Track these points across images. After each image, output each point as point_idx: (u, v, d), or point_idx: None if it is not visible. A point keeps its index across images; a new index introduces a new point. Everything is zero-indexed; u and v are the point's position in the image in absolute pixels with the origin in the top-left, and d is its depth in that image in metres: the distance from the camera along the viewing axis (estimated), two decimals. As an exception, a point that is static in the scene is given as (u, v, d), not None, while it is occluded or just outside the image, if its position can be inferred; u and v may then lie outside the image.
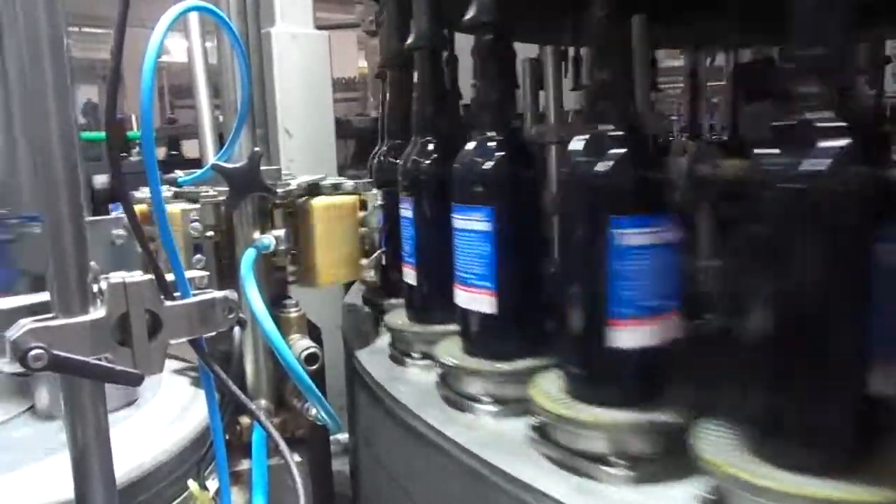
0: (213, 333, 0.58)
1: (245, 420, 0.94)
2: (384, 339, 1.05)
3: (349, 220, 1.01)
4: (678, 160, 0.71)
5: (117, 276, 0.51)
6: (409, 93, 1.04)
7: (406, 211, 0.98)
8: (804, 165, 0.48)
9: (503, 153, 0.77)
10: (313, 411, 0.89)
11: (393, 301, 1.11)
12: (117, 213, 1.14)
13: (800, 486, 0.48)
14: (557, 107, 1.04)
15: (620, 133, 0.63)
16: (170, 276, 0.56)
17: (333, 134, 1.93)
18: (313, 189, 0.99)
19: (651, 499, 0.57)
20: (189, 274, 0.58)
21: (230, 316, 0.58)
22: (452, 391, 0.80)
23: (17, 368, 0.46)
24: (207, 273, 0.62)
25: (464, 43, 0.92)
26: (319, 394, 0.78)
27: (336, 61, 1.99)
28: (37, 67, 0.47)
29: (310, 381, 0.77)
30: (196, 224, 0.90)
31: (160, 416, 0.87)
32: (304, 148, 1.82)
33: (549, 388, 0.68)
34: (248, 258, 0.84)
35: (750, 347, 0.53)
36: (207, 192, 0.91)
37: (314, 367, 0.90)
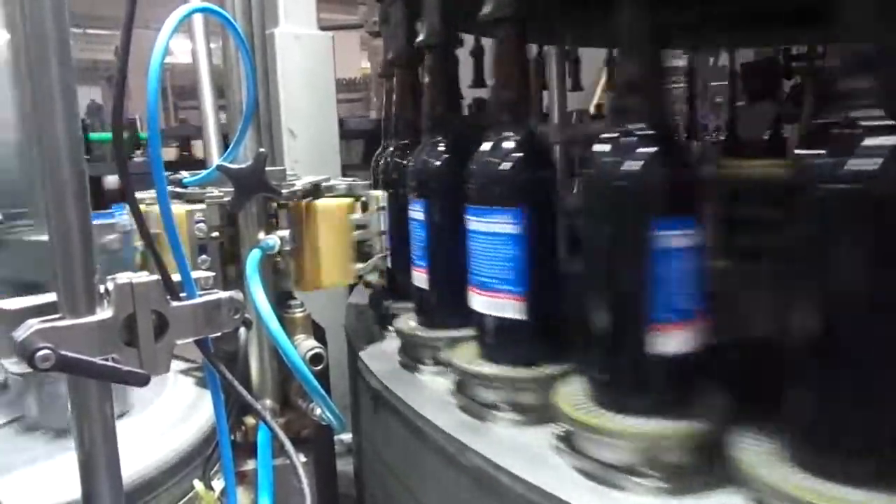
0: (219, 334, 0.58)
1: (250, 420, 0.94)
2: (390, 341, 1.05)
3: (340, 224, 0.99)
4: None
5: (124, 277, 0.52)
6: (416, 92, 1.03)
7: (416, 213, 0.95)
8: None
9: (525, 153, 0.74)
10: (318, 411, 0.89)
11: (400, 305, 1.07)
12: (121, 213, 1.14)
13: (845, 497, 0.47)
14: (561, 107, 1.04)
15: (654, 133, 0.59)
16: (176, 277, 0.56)
17: (337, 134, 1.93)
18: (315, 191, 0.99)
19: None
20: (195, 274, 0.58)
21: (236, 316, 0.58)
22: (470, 398, 0.77)
23: (25, 369, 0.47)
24: (213, 273, 0.62)
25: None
26: (325, 394, 0.78)
27: (339, 62, 1.99)
28: (43, 69, 0.47)
29: (315, 382, 0.77)
30: (201, 225, 0.90)
31: (166, 417, 0.87)
32: (308, 148, 1.83)
33: (574, 396, 0.65)
34: (253, 259, 0.84)
35: (796, 354, 0.51)
36: (213, 192, 0.91)
37: (319, 367, 0.90)
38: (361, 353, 1.02)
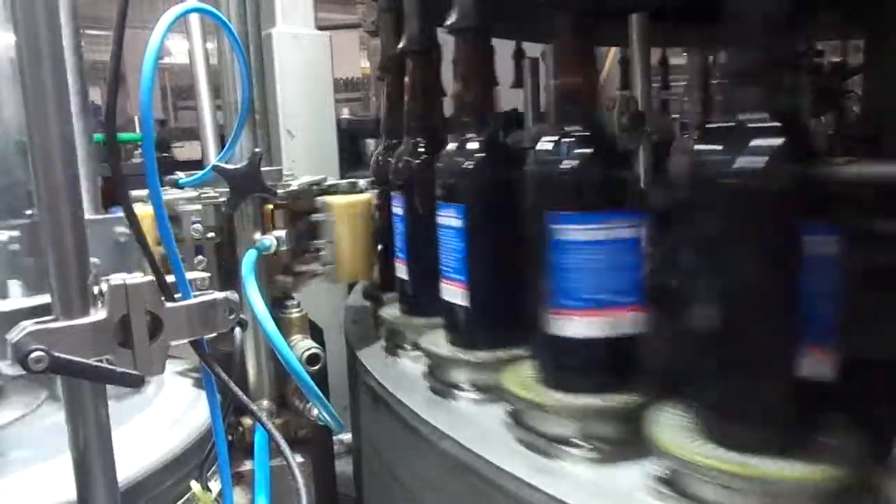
0: (215, 334, 0.58)
1: (247, 421, 0.94)
2: (400, 357, 1.02)
3: (367, 218, 1.05)
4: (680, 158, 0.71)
5: (118, 278, 0.51)
6: (433, 84, 1.05)
7: (397, 208, 1.01)
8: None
9: (478, 154, 0.80)
10: (315, 412, 0.89)
11: (390, 295, 1.12)
12: (117, 213, 1.14)
13: (742, 465, 0.51)
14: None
15: (583, 134, 0.66)
16: (170, 278, 0.56)
17: (335, 134, 1.93)
18: (331, 188, 1.04)
19: (609, 478, 0.60)
20: (190, 275, 0.58)
21: (231, 317, 0.58)
22: (438, 380, 0.84)
23: (19, 371, 0.46)
24: (209, 274, 0.62)
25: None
26: (321, 394, 0.78)
27: (338, 61, 1.99)
28: (35, 68, 0.47)
29: (311, 382, 0.77)
30: (197, 226, 0.90)
31: (162, 418, 0.87)
32: (306, 148, 1.83)
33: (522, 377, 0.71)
34: (248, 259, 0.84)
35: (697, 337, 0.56)
36: (208, 193, 0.91)
37: (316, 367, 0.90)
38: (359, 353, 1.02)
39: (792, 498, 0.50)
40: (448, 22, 0.82)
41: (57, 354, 0.46)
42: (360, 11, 2.28)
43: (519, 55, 1.79)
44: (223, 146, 0.89)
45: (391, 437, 0.86)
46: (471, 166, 0.81)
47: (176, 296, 0.55)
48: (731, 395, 0.55)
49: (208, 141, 1.08)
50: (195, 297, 0.56)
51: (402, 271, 1.01)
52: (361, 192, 1.07)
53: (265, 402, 0.97)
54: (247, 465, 0.90)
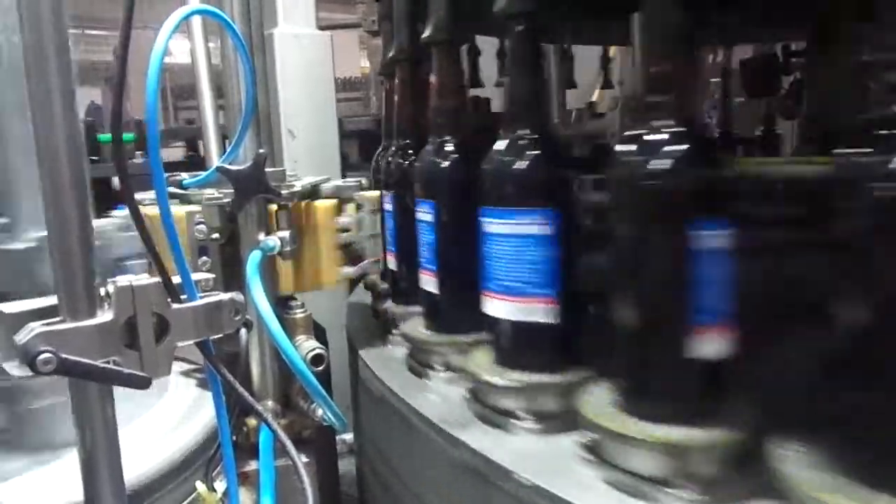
0: (220, 335, 0.58)
1: (251, 421, 0.94)
2: (394, 345, 1.03)
3: (325, 226, 0.99)
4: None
5: (124, 280, 0.51)
6: (420, 90, 1.02)
7: (424, 214, 0.91)
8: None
9: (546, 154, 0.72)
10: (320, 412, 0.89)
11: (408, 309, 1.02)
12: (121, 213, 1.14)
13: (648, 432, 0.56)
14: (561, 105, 1.04)
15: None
16: (176, 279, 0.56)
17: (337, 134, 1.93)
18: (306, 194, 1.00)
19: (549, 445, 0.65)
20: (195, 276, 0.58)
21: (237, 318, 0.58)
22: (487, 407, 0.75)
23: (26, 372, 0.47)
24: (213, 275, 0.62)
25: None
26: (326, 395, 0.78)
27: (337, 61, 1.99)
28: (42, 71, 0.47)
29: (316, 382, 0.77)
30: (201, 226, 0.90)
31: (168, 418, 0.87)
32: (307, 149, 1.83)
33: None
34: (253, 260, 0.84)
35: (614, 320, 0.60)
36: (212, 194, 0.91)
37: (320, 367, 0.90)
38: (362, 353, 1.02)
39: (699, 460, 0.55)
40: (423, 35, 0.83)
41: (64, 356, 0.46)
42: (361, 11, 2.28)
43: (503, 54, 1.77)
44: (225, 147, 0.89)
45: (392, 434, 0.86)
46: (549, 167, 0.72)
47: (182, 297, 0.55)
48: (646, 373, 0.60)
49: (211, 141, 1.08)
50: (201, 298, 0.56)
51: (429, 284, 0.93)
52: (332, 195, 1.02)
53: (269, 403, 0.97)
54: (251, 466, 0.90)
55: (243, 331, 0.89)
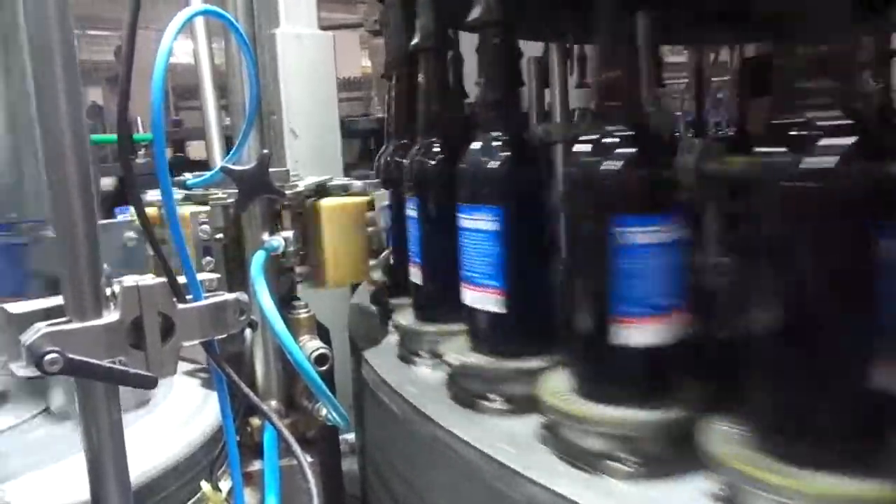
0: (225, 335, 0.58)
1: (255, 421, 0.94)
2: (392, 339, 1.06)
3: (358, 222, 1.00)
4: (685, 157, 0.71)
5: (130, 280, 0.52)
6: (415, 93, 1.04)
7: (412, 211, 0.99)
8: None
9: (508, 153, 0.78)
10: (324, 411, 0.89)
11: (402, 300, 1.11)
12: (124, 215, 1.14)
13: (806, 481, 0.49)
14: (563, 105, 1.04)
15: (627, 133, 0.64)
16: (181, 279, 0.56)
17: (339, 134, 1.93)
18: (321, 190, 0.99)
19: (662, 494, 0.58)
20: (200, 276, 0.58)
21: (242, 318, 0.58)
22: (462, 389, 0.82)
23: (33, 372, 0.47)
24: (218, 275, 0.62)
25: (468, 41, 0.93)
26: (331, 394, 0.78)
27: (339, 61, 1.99)
28: (48, 71, 0.47)
29: (321, 382, 0.77)
30: (205, 226, 0.90)
31: (173, 418, 0.87)
32: (310, 148, 1.82)
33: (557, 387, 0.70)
34: (257, 260, 0.84)
35: (757, 346, 0.54)
36: (216, 194, 0.91)
37: (325, 367, 0.90)
38: (365, 353, 1.02)
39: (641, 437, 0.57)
40: (472, 16, 0.80)
41: (71, 356, 0.47)
42: (362, 11, 2.28)
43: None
44: (228, 147, 0.89)
45: (415, 454, 0.85)
46: (504, 166, 0.79)
47: (187, 297, 0.55)
48: (799, 409, 0.52)
49: (214, 142, 1.08)
50: (206, 298, 0.57)
51: (416, 276, 1.02)
52: (361, 193, 1.04)
53: (273, 403, 0.97)
54: (255, 466, 0.90)
55: (248, 331, 0.89)
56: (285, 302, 0.97)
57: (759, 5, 0.62)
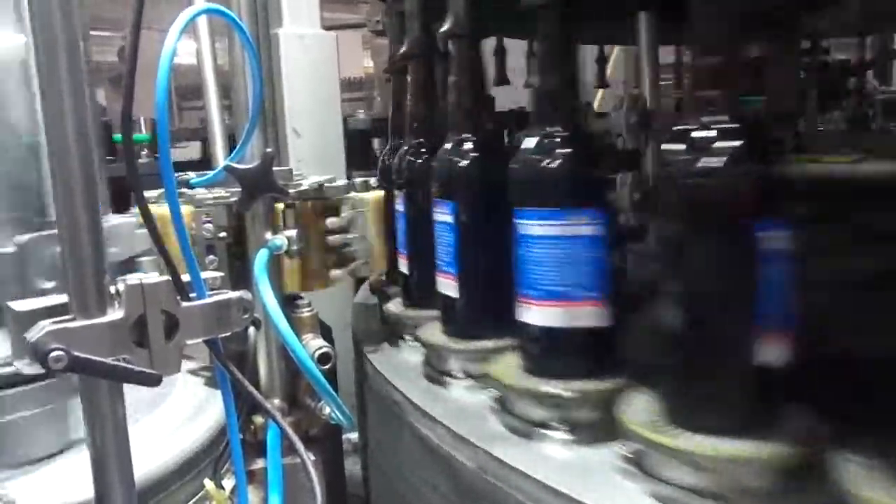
0: (229, 333, 0.58)
1: (259, 419, 0.94)
2: (406, 349, 1.02)
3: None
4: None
5: (134, 278, 0.52)
6: (433, 87, 1.02)
7: (443, 215, 0.88)
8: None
9: (569, 150, 0.70)
10: (327, 410, 0.89)
11: (421, 312, 1.01)
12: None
13: (700, 445, 0.54)
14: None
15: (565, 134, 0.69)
16: (185, 277, 0.56)
17: (342, 134, 1.93)
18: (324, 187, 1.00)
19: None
20: (204, 275, 0.58)
21: (245, 316, 0.58)
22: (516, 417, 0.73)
23: (38, 369, 0.47)
24: (222, 274, 0.63)
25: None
26: (334, 393, 0.78)
27: (341, 61, 1.99)
28: (52, 68, 0.47)
29: (324, 381, 0.77)
30: (209, 225, 0.90)
31: (176, 416, 0.87)
32: (312, 148, 1.83)
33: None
34: (261, 259, 0.85)
35: (664, 331, 0.59)
36: (219, 193, 0.91)
37: (327, 366, 0.90)
38: (371, 357, 1.02)
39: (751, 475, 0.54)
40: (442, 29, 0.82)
41: (76, 354, 0.47)
42: (365, 11, 2.28)
43: (501, 52, 1.77)
44: (231, 147, 0.89)
45: (403, 442, 0.85)
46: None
47: (191, 295, 0.55)
48: (696, 382, 0.58)
49: (217, 141, 1.08)
50: (210, 296, 0.57)
51: (449, 288, 0.90)
52: (372, 188, 1.06)
53: (277, 401, 0.97)
54: (258, 464, 0.91)
55: (251, 329, 0.89)
56: (288, 300, 0.98)
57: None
